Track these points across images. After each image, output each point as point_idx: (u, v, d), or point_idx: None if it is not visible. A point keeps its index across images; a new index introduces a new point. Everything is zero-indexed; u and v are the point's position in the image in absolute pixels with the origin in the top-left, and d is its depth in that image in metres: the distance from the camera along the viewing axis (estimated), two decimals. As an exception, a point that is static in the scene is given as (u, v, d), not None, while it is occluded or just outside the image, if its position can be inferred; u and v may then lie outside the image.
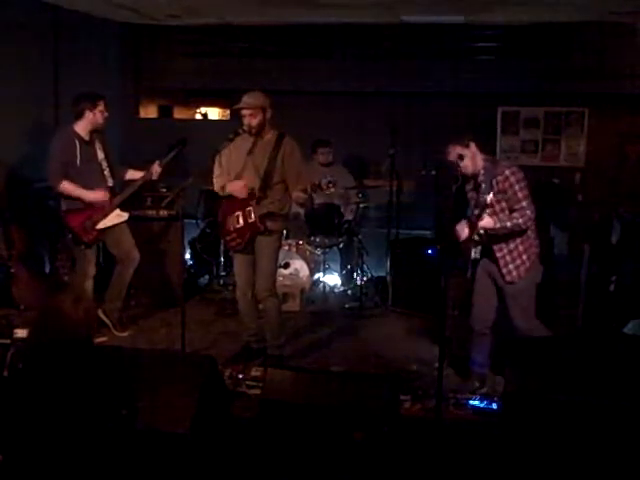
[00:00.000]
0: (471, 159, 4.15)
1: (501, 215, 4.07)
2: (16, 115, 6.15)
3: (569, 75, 7.06)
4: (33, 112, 6.43)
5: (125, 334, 5.44)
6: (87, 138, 5.16)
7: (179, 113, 8.76)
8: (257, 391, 4.13)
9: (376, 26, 7.36)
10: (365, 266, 6.72)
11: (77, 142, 5.10)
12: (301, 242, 6.43)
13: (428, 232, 7.22)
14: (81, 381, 2.91)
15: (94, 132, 5.19)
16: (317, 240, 6.42)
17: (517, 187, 4.04)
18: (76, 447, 2.83)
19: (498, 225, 4.03)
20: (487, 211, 3.98)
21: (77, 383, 2.90)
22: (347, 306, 6.42)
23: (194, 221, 6.93)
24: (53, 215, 5.70)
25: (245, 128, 4.58)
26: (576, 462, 3.08)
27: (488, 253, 4.24)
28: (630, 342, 4.79)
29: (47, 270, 6.17)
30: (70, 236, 5.20)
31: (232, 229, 4.72)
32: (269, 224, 4.63)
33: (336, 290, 6.67)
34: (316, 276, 6.53)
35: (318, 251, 6.52)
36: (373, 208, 7.01)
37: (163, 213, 6.21)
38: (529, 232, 4.17)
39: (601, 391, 3.28)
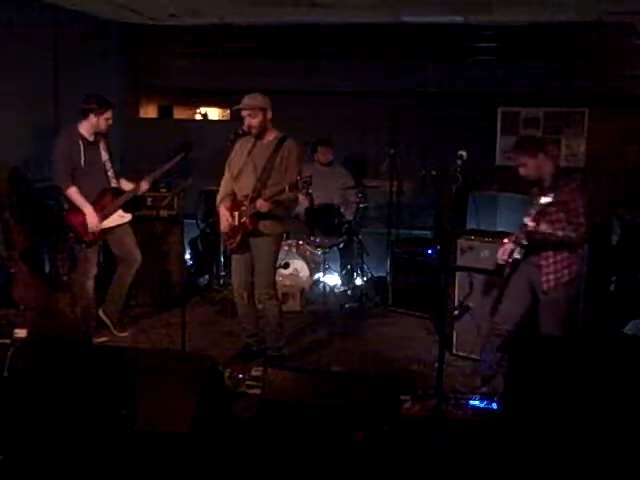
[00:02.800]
0: (535, 168, 4.19)
1: (556, 225, 4.06)
2: (16, 115, 6.15)
3: (569, 75, 7.06)
4: (33, 112, 6.42)
5: (125, 334, 5.44)
6: (91, 139, 5.18)
7: (179, 113, 8.76)
8: (257, 391, 4.12)
9: (376, 26, 7.36)
10: (365, 266, 6.73)
11: (81, 143, 5.12)
12: (301, 242, 6.43)
13: (428, 232, 7.22)
14: (81, 381, 2.91)
15: (97, 134, 5.21)
16: (317, 240, 6.42)
17: (580, 202, 4.06)
18: (76, 447, 2.83)
19: (550, 230, 4.03)
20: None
21: (77, 383, 2.90)
22: (347, 306, 6.42)
23: (194, 221, 6.94)
24: (53, 215, 5.70)
25: (245, 129, 4.59)
26: (576, 462, 3.08)
27: (532, 258, 4.24)
28: (630, 342, 4.80)
29: (47, 270, 6.16)
30: (71, 235, 5.21)
31: (228, 229, 4.73)
32: (261, 225, 4.63)
33: (336, 290, 6.67)
34: (316, 276, 6.53)
35: (318, 251, 6.52)
36: (373, 208, 7.01)
37: (163, 213, 6.20)
38: (578, 249, 4.19)
39: (601, 391, 3.28)
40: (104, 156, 5.26)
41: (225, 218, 4.74)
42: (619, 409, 3.20)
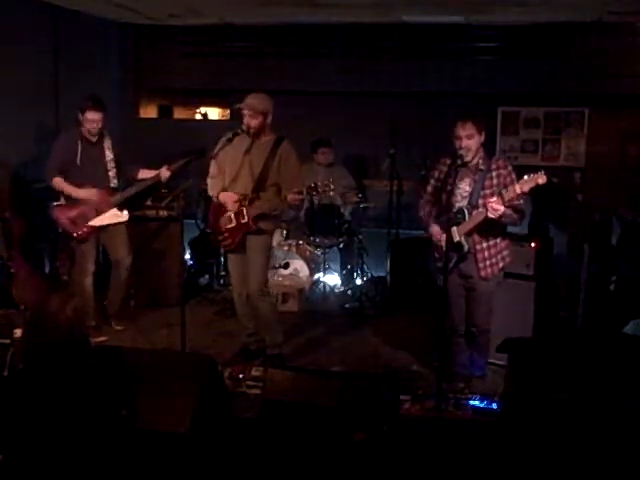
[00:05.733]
0: (476, 144, 4.13)
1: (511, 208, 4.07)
2: (16, 115, 6.15)
3: (569, 75, 7.06)
4: (33, 112, 6.43)
5: (121, 328, 5.46)
6: (93, 139, 5.20)
7: (179, 113, 8.75)
8: (257, 391, 4.13)
9: (376, 26, 7.36)
10: (365, 266, 6.72)
11: (80, 142, 5.17)
12: (301, 242, 6.43)
13: (428, 232, 7.21)
14: (81, 381, 2.91)
15: (101, 134, 5.23)
16: (317, 240, 6.42)
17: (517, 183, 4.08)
18: (76, 447, 2.83)
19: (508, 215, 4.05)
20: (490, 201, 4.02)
21: (77, 383, 2.90)
22: (347, 306, 6.42)
23: (194, 221, 6.94)
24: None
25: (244, 128, 4.58)
26: (576, 462, 3.07)
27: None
28: (630, 342, 4.79)
29: (47, 270, 6.16)
30: (60, 230, 5.25)
31: (224, 229, 4.73)
32: (262, 224, 4.64)
33: (336, 290, 6.67)
34: (316, 276, 6.53)
35: (318, 251, 6.52)
36: (373, 208, 7.01)
37: (163, 213, 6.21)
38: (506, 236, 4.24)
39: (601, 391, 3.28)
40: (108, 156, 5.27)
41: (232, 200, 4.63)
42: (619, 409, 3.20)
